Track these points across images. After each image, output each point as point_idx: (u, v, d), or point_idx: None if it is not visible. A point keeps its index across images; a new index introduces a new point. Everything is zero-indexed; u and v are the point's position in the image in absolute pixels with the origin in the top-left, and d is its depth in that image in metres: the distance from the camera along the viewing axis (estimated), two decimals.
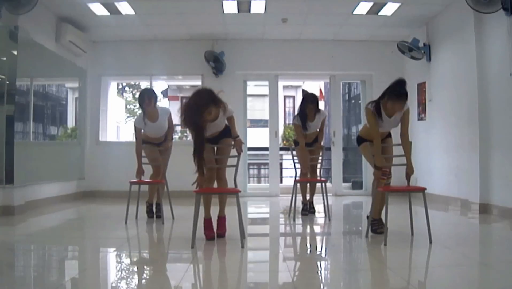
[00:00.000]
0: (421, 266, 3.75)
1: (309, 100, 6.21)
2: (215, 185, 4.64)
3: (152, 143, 5.91)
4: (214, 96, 4.23)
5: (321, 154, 6.39)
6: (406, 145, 4.60)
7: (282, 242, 5.12)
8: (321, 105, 7.58)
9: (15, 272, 3.56)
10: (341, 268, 3.80)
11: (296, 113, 6.44)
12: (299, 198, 6.38)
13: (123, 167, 7.55)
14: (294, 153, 6.34)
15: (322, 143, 6.42)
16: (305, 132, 6.25)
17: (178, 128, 18.27)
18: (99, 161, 8.93)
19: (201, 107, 4.13)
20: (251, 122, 14.38)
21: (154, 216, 6.00)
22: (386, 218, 4.31)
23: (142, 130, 5.75)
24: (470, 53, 6.65)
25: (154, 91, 5.95)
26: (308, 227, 5.82)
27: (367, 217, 4.95)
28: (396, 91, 4.43)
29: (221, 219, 4.65)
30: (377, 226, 4.71)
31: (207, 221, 4.57)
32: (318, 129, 6.37)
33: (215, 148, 4.62)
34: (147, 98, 5.66)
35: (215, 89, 4.34)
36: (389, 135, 4.83)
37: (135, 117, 6.04)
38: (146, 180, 5.91)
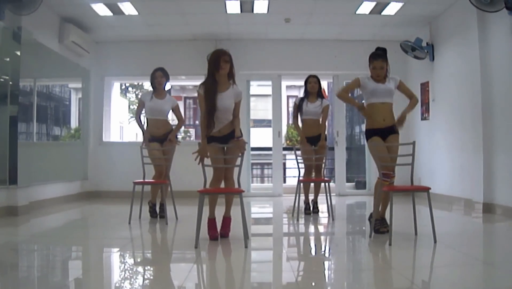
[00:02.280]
0: (425, 266, 3.75)
1: (310, 76, 6.45)
2: (222, 185, 4.63)
3: (155, 141, 5.94)
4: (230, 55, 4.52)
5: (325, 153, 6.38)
6: (413, 101, 4.84)
7: (285, 242, 5.11)
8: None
9: (19, 272, 3.57)
10: (345, 268, 3.79)
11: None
12: (303, 197, 6.39)
13: (127, 167, 7.57)
14: (298, 152, 6.35)
15: (326, 140, 6.39)
16: (301, 115, 6.34)
17: (182, 128, 18.36)
18: (102, 161, 8.95)
19: (220, 53, 4.43)
20: (254, 122, 14.36)
21: (158, 216, 6.00)
22: (390, 218, 4.30)
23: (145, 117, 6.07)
24: (473, 53, 6.62)
25: (167, 72, 6.14)
26: (312, 227, 5.82)
27: (369, 219, 4.95)
28: (372, 53, 4.82)
29: (226, 220, 4.64)
30: (380, 225, 4.70)
31: (211, 221, 4.56)
32: (320, 122, 6.37)
33: (225, 148, 4.61)
34: (159, 76, 6.01)
35: None
36: (395, 131, 4.79)
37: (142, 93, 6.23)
38: (150, 180, 5.92)
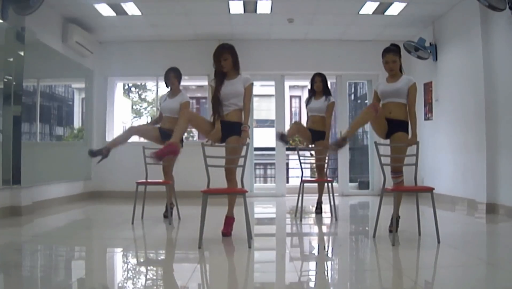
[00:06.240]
0: (428, 266, 3.73)
1: (316, 75, 6.42)
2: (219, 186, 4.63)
3: (166, 134, 5.92)
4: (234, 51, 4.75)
5: (327, 154, 6.35)
6: (412, 117, 4.74)
7: (289, 242, 5.11)
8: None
9: (23, 272, 3.57)
10: (348, 268, 3.79)
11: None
12: (306, 198, 6.34)
13: (130, 167, 7.57)
14: (301, 153, 6.34)
15: (329, 139, 6.35)
16: (307, 109, 6.43)
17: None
18: (105, 161, 8.85)
19: (218, 52, 4.65)
20: (257, 123, 14.38)
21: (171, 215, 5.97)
22: (396, 218, 4.29)
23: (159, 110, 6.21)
24: (476, 53, 6.61)
25: (179, 72, 6.22)
26: (315, 227, 5.81)
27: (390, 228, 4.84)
28: (384, 48, 5.00)
29: (229, 219, 4.66)
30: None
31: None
32: (325, 118, 6.36)
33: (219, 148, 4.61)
34: (172, 77, 6.11)
35: None
36: (402, 128, 4.76)
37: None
38: (153, 180, 5.92)
